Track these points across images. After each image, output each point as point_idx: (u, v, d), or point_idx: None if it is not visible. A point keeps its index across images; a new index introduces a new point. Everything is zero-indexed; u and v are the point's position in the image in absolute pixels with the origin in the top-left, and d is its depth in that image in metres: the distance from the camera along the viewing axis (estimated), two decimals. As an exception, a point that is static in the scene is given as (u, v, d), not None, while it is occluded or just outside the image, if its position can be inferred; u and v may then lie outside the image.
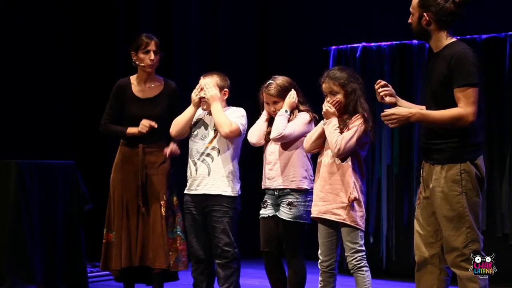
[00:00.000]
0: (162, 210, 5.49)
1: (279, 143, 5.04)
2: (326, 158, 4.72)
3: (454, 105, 4.02)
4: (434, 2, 4.14)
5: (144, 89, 5.61)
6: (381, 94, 4.32)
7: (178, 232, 5.54)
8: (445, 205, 4.06)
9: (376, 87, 4.34)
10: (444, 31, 4.15)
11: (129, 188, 5.54)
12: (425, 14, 4.16)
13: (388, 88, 4.33)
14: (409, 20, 4.27)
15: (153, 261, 5.48)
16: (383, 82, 4.34)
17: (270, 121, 5.11)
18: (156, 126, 5.44)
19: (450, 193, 4.04)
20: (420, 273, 4.21)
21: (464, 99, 3.99)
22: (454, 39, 4.16)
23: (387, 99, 4.33)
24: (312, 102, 5.16)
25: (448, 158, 4.06)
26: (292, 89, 5.10)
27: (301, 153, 5.04)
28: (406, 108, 4.15)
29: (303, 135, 4.96)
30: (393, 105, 4.31)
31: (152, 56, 5.53)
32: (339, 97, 4.70)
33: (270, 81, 5.13)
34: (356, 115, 4.66)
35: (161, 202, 5.50)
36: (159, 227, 5.48)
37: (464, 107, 3.99)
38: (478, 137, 4.13)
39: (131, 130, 5.51)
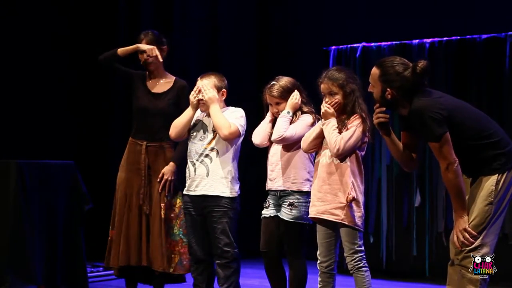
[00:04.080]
0: (162, 213, 5.50)
1: (281, 144, 5.04)
2: (324, 158, 4.71)
3: (456, 135, 4.07)
4: (397, 77, 4.15)
5: (154, 85, 5.67)
6: (377, 121, 4.29)
7: (180, 235, 5.53)
8: (472, 213, 4.11)
9: (377, 110, 4.31)
10: (411, 98, 4.15)
11: (132, 187, 5.57)
12: (388, 89, 4.17)
13: (387, 116, 4.31)
14: (369, 90, 4.28)
15: (150, 263, 5.50)
16: (382, 108, 4.30)
17: (274, 122, 5.09)
18: (154, 55, 5.52)
19: (482, 202, 4.09)
20: (453, 268, 4.23)
21: (437, 153, 4.08)
22: (414, 99, 4.14)
23: (381, 130, 4.32)
24: (312, 102, 5.15)
25: (485, 171, 4.11)
26: (295, 90, 5.08)
27: (303, 155, 5.02)
28: (456, 226, 4.14)
29: (305, 137, 4.95)
30: (386, 135, 4.32)
31: (146, 54, 5.59)
32: (338, 97, 4.69)
33: (273, 82, 5.12)
34: (355, 115, 4.66)
35: (161, 204, 5.51)
36: (158, 229, 5.49)
37: (442, 161, 4.07)
38: (510, 146, 4.17)
39: (124, 48, 5.58)
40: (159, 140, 5.57)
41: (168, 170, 5.53)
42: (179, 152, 5.54)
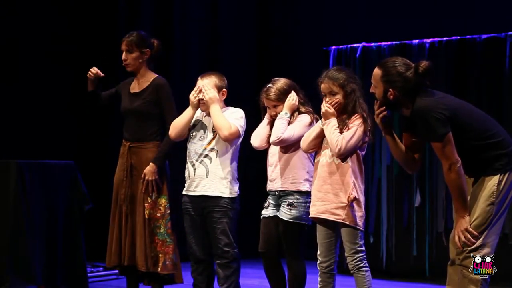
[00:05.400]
0: (146, 212, 5.47)
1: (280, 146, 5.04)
2: (324, 158, 4.71)
3: (458, 135, 4.07)
4: (399, 77, 4.15)
5: (135, 85, 5.68)
6: (379, 117, 4.30)
7: (165, 235, 5.51)
8: (474, 213, 4.11)
9: (376, 107, 4.32)
10: (413, 98, 4.15)
11: (122, 187, 5.57)
12: (390, 89, 4.17)
13: (386, 112, 4.31)
14: (372, 90, 4.27)
15: (135, 262, 5.49)
16: (382, 107, 4.30)
17: (272, 124, 5.08)
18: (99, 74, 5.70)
19: (484, 202, 4.10)
20: (453, 268, 4.24)
21: (439, 153, 4.09)
22: (417, 99, 4.15)
23: (384, 129, 4.33)
24: (312, 102, 5.14)
25: (487, 170, 4.11)
26: (292, 91, 5.07)
27: (302, 155, 5.02)
28: (457, 227, 4.14)
29: (303, 137, 4.94)
30: (389, 134, 4.31)
31: (123, 55, 5.60)
32: (339, 97, 4.69)
33: (269, 85, 5.11)
34: (355, 115, 4.66)
35: (145, 204, 5.49)
36: (141, 229, 5.47)
37: (444, 161, 4.08)
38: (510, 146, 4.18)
39: (88, 85, 5.77)
40: (140, 140, 5.56)
41: (148, 171, 5.48)
42: (160, 153, 5.50)
